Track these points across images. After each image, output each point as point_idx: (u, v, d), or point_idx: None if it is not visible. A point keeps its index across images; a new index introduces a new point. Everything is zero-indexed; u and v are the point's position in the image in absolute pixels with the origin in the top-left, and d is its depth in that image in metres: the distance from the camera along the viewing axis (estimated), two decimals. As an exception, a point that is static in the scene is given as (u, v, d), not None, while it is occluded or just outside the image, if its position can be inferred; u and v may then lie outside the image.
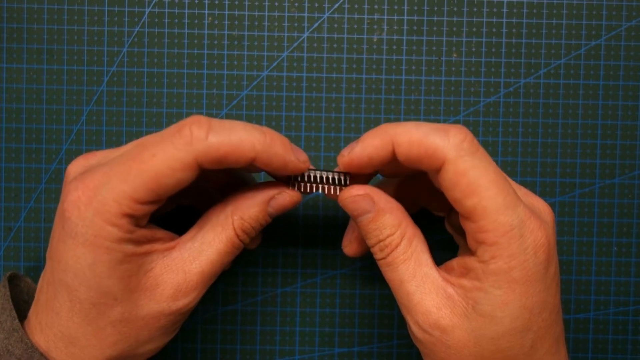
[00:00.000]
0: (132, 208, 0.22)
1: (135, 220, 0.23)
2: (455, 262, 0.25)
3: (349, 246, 0.29)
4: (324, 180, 0.26)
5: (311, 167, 0.26)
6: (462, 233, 0.28)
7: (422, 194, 0.28)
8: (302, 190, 0.26)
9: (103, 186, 0.22)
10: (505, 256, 0.22)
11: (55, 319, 0.24)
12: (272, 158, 0.23)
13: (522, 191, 0.25)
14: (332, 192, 0.26)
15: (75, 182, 0.23)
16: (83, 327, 0.23)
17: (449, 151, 0.22)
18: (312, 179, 0.26)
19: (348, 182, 0.26)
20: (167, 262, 0.24)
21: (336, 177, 0.26)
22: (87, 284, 0.23)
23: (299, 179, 0.26)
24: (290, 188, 0.26)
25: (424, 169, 0.24)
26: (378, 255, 0.25)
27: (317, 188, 0.26)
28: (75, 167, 0.25)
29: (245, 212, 0.25)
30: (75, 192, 0.23)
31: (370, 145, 0.24)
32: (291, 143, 0.25)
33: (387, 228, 0.24)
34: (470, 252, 0.24)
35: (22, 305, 0.27)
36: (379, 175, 0.28)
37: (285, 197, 0.25)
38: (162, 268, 0.24)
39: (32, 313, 0.25)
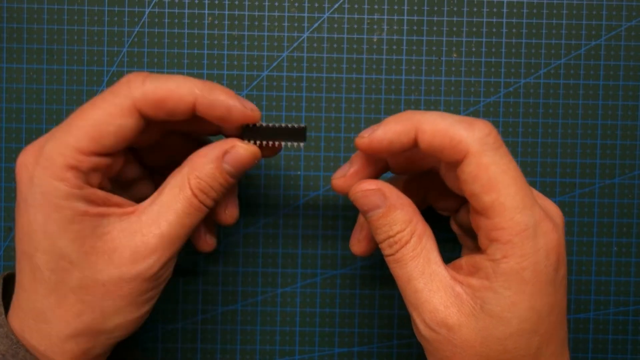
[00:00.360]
0: (76, 159, 0.22)
1: (84, 175, 0.23)
2: (464, 261, 0.25)
3: (357, 245, 0.28)
4: (278, 131, 0.25)
5: (265, 123, 0.25)
6: (468, 232, 0.27)
7: (430, 192, 0.28)
8: (257, 143, 0.25)
9: (47, 142, 0.23)
10: (517, 256, 0.22)
11: (22, 294, 0.24)
12: (213, 104, 0.23)
13: (535, 193, 0.25)
14: (289, 145, 0.25)
15: (25, 147, 0.24)
16: (47, 298, 0.23)
17: (473, 144, 0.22)
18: (266, 130, 0.25)
19: (304, 131, 0.25)
20: (125, 226, 0.24)
21: (290, 126, 0.25)
22: (42, 248, 0.23)
23: (253, 131, 0.25)
24: (245, 141, 0.25)
25: (444, 160, 0.24)
26: (387, 251, 0.25)
27: (274, 142, 0.25)
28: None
29: (200, 170, 0.24)
30: (22, 155, 0.23)
31: (392, 130, 0.24)
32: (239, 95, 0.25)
33: (398, 224, 0.24)
34: (479, 251, 0.24)
35: None
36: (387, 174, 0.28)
37: (239, 150, 0.25)
38: (119, 231, 0.24)
39: (12, 299, 0.25)
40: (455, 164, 0.23)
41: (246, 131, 0.25)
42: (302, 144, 0.26)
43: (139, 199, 0.28)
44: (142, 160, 0.28)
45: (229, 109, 0.24)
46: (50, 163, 0.22)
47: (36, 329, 0.23)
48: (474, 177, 0.22)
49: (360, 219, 0.29)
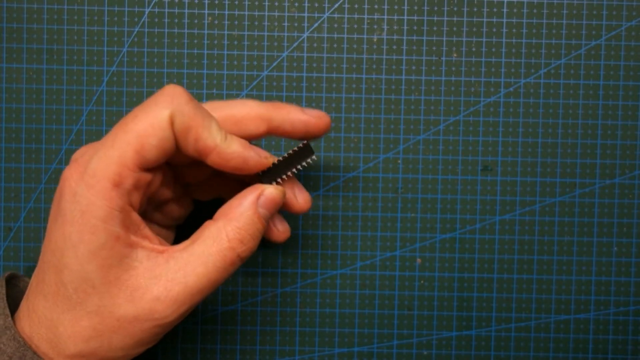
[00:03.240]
0: (120, 174, 0.22)
1: (126, 194, 0.23)
2: None
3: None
4: (290, 160, 0.26)
5: (276, 158, 0.26)
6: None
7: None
8: (279, 181, 0.26)
9: (92, 159, 0.23)
10: None
11: (42, 302, 0.24)
12: (230, 156, 0.24)
13: None
14: (306, 165, 0.26)
15: (71, 162, 0.24)
16: (64, 314, 0.23)
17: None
18: (280, 166, 0.26)
19: (309, 146, 0.26)
20: (151, 266, 0.24)
21: (296, 149, 0.26)
22: (70, 267, 0.23)
23: (270, 172, 0.26)
24: (268, 184, 0.26)
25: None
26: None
27: (291, 171, 0.26)
28: (78, 153, 0.25)
29: (239, 219, 0.24)
30: (68, 170, 0.23)
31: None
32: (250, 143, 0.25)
33: None
34: None
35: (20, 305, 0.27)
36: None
37: (272, 191, 0.25)
38: (145, 270, 0.24)
39: (23, 300, 0.25)
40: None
41: (265, 174, 0.26)
42: (314, 157, 0.26)
43: (170, 219, 0.28)
44: (183, 178, 0.28)
45: (245, 160, 0.24)
46: (95, 181, 0.22)
47: (46, 338, 0.24)
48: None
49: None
